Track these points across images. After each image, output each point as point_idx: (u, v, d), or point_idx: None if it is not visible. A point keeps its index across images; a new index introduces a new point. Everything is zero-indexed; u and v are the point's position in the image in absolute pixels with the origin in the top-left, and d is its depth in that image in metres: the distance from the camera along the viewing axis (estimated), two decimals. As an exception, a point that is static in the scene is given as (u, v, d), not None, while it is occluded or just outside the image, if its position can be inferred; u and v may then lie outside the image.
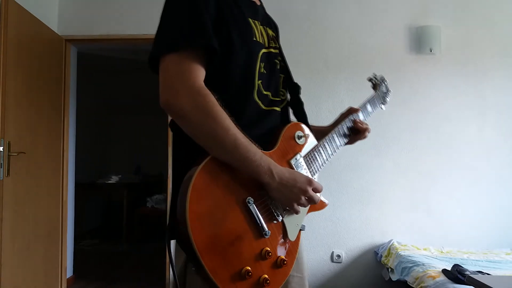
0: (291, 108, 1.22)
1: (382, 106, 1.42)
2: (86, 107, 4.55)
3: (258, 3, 1.14)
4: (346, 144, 1.21)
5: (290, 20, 3.39)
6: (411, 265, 2.67)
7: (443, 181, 3.30)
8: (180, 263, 0.92)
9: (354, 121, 1.22)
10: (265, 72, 1.04)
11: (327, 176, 3.29)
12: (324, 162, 1.12)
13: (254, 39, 1.02)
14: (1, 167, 2.46)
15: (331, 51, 3.38)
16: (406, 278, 2.65)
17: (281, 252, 0.94)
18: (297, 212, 0.96)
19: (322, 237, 3.30)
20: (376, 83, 1.43)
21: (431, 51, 3.27)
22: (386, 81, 1.45)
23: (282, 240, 0.95)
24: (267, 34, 1.11)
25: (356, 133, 1.23)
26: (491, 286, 1.28)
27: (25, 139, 2.74)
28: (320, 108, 3.34)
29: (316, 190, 0.96)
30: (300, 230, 1.02)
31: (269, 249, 0.89)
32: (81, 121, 3.95)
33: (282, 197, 0.92)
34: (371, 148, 3.31)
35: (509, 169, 3.30)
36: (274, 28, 1.22)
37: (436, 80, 3.34)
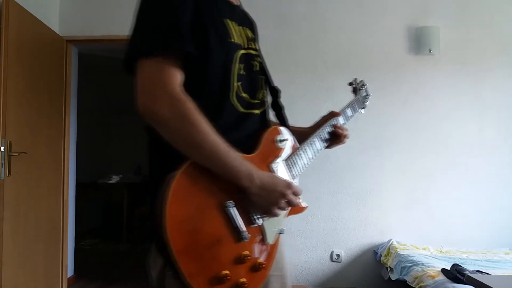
0: (274, 111, 1.20)
1: (362, 110, 1.43)
2: (87, 107, 4.56)
3: (236, 3, 1.12)
4: (325, 148, 1.22)
5: (290, 20, 3.40)
6: (410, 264, 2.67)
7: (443, 181, 3.31)
8: (158, 267, 0.91)
9: (335, 126, 1.23)
10: (244, 73, 1.03)
11: (326, 176, 3.30)
12: (305, 166, 1.12)
13: (232, 40, 1.00)
14: (2, 167, 2.47)
15: (330, 52, 3.39)
16: (406, 278, 2.66)
17: (259, 255, 0.94)
18: (276, 216, 0.95)
19: (322, 237, 3.30)
20: (356, 87, 1.44)
21: (430, 52, 3.28)
22: (366, 85, 1.47)
23: (261, 243, 0.95)
24: (246, 35, 1.08)
25: (335, 138, 1.23)
26: (490, 285, 1.29)
27: (26, 139, 2.75)
28: (320, 108, 3.34)
29: (296, 194, 0.96)
30: (280, 233, 1.02)
31: (247, 252, 0.89)
32: (82, 121, 3.95)
33: (262, 201, 0.92)
34: (370, 148, 3.32)
35: (508, 168, 3.31)
36: (253, 28, 1.18)
37: (435, 80, 3.35)
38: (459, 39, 3.36)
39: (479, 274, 2.19)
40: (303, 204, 1.11)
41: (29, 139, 2.80)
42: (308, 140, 1.15)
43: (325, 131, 1.22)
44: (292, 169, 1.08)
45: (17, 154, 2.59)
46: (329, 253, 3.31)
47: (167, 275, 0.88)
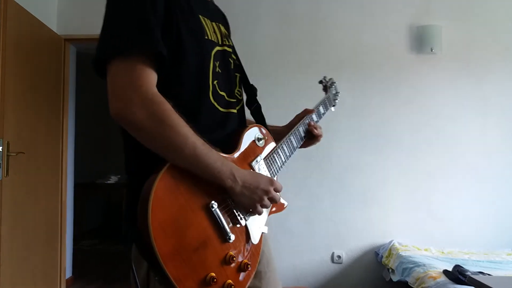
0: (250, 110, 1.19)
1: (332, 108, 1.46)
2: (85, 107, 4.55)
3: None
4: (301, 147, 1.22)
5: (291, 20, 3.39)
6: (412, 265, 2.66)
7: (444, 182, 3.29)
8: (142, 272, 0.88)
9: (309, 124, 1.24)
10: (220, 71, 1.01)
11: (328, 176, 3.29)
12: (283, 164, 1.13)
13: (206, 37, 0.97)
14: (0, 167, 2.45)
15: (332, 51, 3.38)
16: (407, 279, 2.64)
17: (244, 256, 0.93)
18: (260, 214, 0.95)
19: (323, 238, 3.29)
20: (327, 85, 1.47)
21: (432, 51, 3.26)
22: (335, 83, 1.51)
23: (246, 243, 0.94)
24: (220, 31, 1.05)
25: (310, 136, 1.24)
26: (492, 286, 1.28)
27: (24, 139, 2.73)
28: (321, 108, 3.33)
29: (277, 190, 0.96)
30: (263, 233, 1.01)
31: (233, 253, 0.88)
32: (80, 121, 3.94)
33: (245, 200, 0.91)
34: (372, 148, 3.30)
35: (510, 169, 3.29)
36: (226, 24, 1.15)
37: (437, 79, 3.33)
38: (461, 38, 3.35)
39: (481, 275, 2.18)
40: (284, 202, 1.12)
41: (27, 139, 2.78)
42: (285, 138, 1.15)
43: (301, 129, 1.23)
44: (272, 167, 1.08)
45: (15, 154, 2.57)
46: (330, 254, 3.29)
47: (152, 280, 0.86)
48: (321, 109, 1.37)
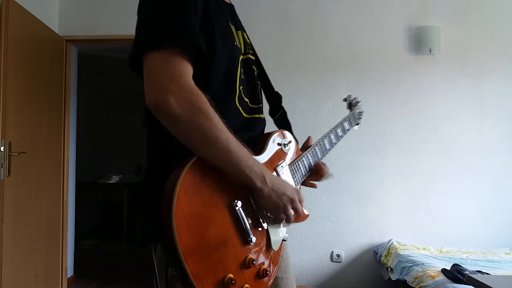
0: (272, 117, 1.20)
1: (356, 126, 1.44)
2: (87, 107, 4.56)
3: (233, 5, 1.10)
4: (302, 182, 1.14)
5: (289, 20, 3.40)
6: (410, 264, 2.67)
7: (443, 181, 3.31)
8: (163, 268, 0.86)
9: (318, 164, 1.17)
10: (244, 78, 1.01)
11: (327, 176, 3.30)
12: (307, 172, 1.12)
13: (235, 43, 0.99)
14: (2, 167, 2.47)
15: (330, 52, 3.39)
16: (406, 278, 2.66)
17: (264, 261, 0.90)
18: (279, 221, 0.93)
19: (322, 237, 3.30)
20: (351, 103, 1.46)
21: (430, 52, 3.27)
22: (359, 102, 1.50)
23: (266, 249, 0.92)
24: (244, 40, 1.06)
25: (315, 172, 1.16)
26: (490, 285, 1.29)
27: (25, 139, 2.75)
28: (320, 108, 3.35)
29: (301, 201, 0.95)
30: (283, 240, 0.99)
31: (253, 257, 0.86)
32: (81, 121, 3.95)
33: (270, 204, 0.89)
34: (370, 148, 3.32)
35: (508, 169, 3.31)
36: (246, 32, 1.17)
37: (435, 80, 3.35)
38: (459, 39, 3.36)
39: (479, 274, 2.19)
40: (306, 212, 1.07)
41: (28, 139, 2.80)
42: (311, 148, 1.15)
43: (326, 142, 1.23)
44: (296, 174, 1.06)
45: (16, 154, 2.59)
46: (329, 253, 3.31)
47: (174, 280, 0.83)
48: (346, 125, 1.35)
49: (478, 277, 1.46)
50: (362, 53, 3.37)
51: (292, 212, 0.92)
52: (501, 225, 3.27)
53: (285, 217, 0.91)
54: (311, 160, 1.13)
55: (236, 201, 0.84)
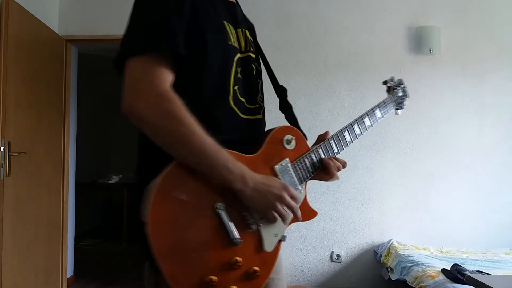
0: (283, 113, 1.17)
1: (399, 111, 1.33)
2: (87, 107, 4.56)
3: (234, 2, 1.07)
4: (311, 178, 1.06)
5: (290, 20, 3.40)
6: (410, 264, 2.67)
7: (443, 181, 3.31)
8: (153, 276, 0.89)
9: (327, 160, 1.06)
10: (241, 77, 1.00)
11: (327, 176, 3.30)
12: (316, 170, 1.04)
13: (229, 42, 0.97)
14: (1, 167, 2.47)
15: (330, 51, 3.39)
16: (406, 278, 2.66)
17: (254, 263, 0.88)
18: (273, 221, 0.89)
19: (322, 237, 3.30)
20: (391, 86, 1.33)
21: (430, 52, 3.27)
22: (403, 84, 1.35)
23: (257, 250, 0.90)
24: (245, 37, 1.04)
25: (324, 168, 1.06)
26: (490, 285, 1.29)
27: (25, 139, 2.75)
28: (320, 108, 3.35)
29: (293, 197, 0.90)
30: (281, 240, 0.95)
31: (239, 259, 0.84)
32: (81, 121, 3.95)
33: (256, 205, 0.87)
34: (370, 148, 3.32)
35: (508, 169, 3.31)
36: (252, 29, 1.14)
37: (435, 80, 3.35)
38: (459, 39, 3.36)
39: (479, 274, 2.19)
40: (313, 209, 1.04)
41: (28, 139, 2.80)
42: (324, 142, 1.07)
43: (345, 136, 1.12)
44: (300, 172, 1.01)
45: (16, 154, 2.59)
46: (329, 253, 3.31)
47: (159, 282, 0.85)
48: (378, 113, 1.20)
49: (478, 277, 1.46)
50: (362, 53, 3.37)
51: (283, 210, 0.88)
52: (501, 225, 3.27)
53: (276, 216, 0.88)
54: (323, 155, 1.06)
55: (219, 203, 0.84)
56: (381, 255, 3.13)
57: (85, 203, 4.76)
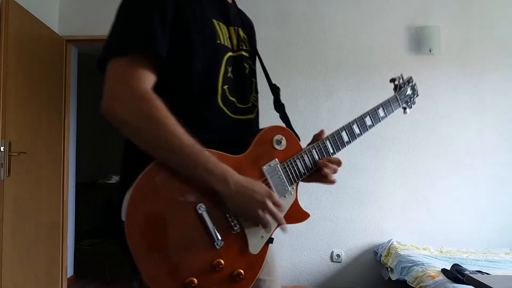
0: (277, 112, 1.14)
1: (407, 110, 1.27)
2: (87, 107, 4.56)
3: (229, 1, 1.05)
4: (304, 181, 1.03)
5: (289, 20, 3.40)
6: (410, 264, 2.67)
7: (442, 181, 3.31)
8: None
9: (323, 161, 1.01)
10: (232, 76, 0.98)
11: (327, 176, 3.30)
12: (308, 171, 1.00)
13: (218, 41, 0.95)
14: (1, 167, 2.47)
15: (330, 51, 3.39)
16: (406, 278, 2.65)
17: (238, 265, 0.86)
18: (257, 225, 0.87)
19: (322, 237, 3.30)
20: (399, 85, 1.26)
21: (430, 51, 3.27)
22: (412, 82, 1.29)
23: (241, 252, 0.88)
24: (238, 36, 1.03)
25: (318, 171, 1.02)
26: (490, 285, 1.29)
27: (25, 139, 2.75)
28: (320, 108, 3.35)
29: (276, 204, 0.87)
30: (268, 243, 0.93)
31: (221, 261, 0.83)
32: (81, 121, 3.95)
33: (238, 208, 0.85)
34: (370, 148, 3.31)
35: (508, 168, 3.31)
36: (249, 27, 1.12)
37: (435, 80, 3.35)
38: (459, 39, 3.36)
39: (479, 274, 2.19)
40: (305, 211, 1.02)
41: (28, 139, 2.80)
42: (318, 143, 1.03)
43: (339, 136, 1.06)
44: (291, 173, 0.98)
45: (16, 154, 2.59)
46: (329, 253, 3.31)
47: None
48: (381, 112, 1.14)
49: (478, 277, 1.46)
50: (362, 53, 3.37)
51: (265, 218, 0.86)
52: (501, 225, 3.27)
53: (259, 223, 0.87)
54: (316, 157, 1.01)
55: (200, 204, 0.82)
56: (381, 255, 3.13)
57: (85, 203, 4.76)
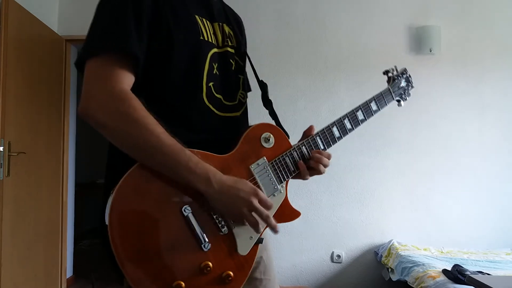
0: (266, 108, 1.12)
1: (401, 102, 1.24)
2: (86, 107, 4.55)
3: None
4: (293, 178, 1.01)
5: (290, 20, 3.39)
6: (411, 265, 2.67)
7: (443, 181, 3.30)
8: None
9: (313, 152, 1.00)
10: (217, 73, 0.95)
11: (327, 176, 3.28)
12: (297, 168, 0.98)
13: (201, 38, 0.93)
14: (1, 167, 2.46)
15: (330, 51, 3.38)
16: (406, 278, 2.65)
17: (227, 267, 0.85)
18: (244, 225, 0.85)
19: (322, 237, 3.29)
20: (392, 77, 1.24)
21: (431, 51, 3.27)
22: (406, 74, 1.26)
23: (230, 254, 0.86)
24: (222, 32, 1.00)
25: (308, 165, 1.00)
26: (491, 286, 1.29)
27: (25, 139, 2.74)
28: (320, 108, 3.34)
29: (263, 203, 0.84)
30: (258, 243, 0.90)
31: (209, 263, 0.81)
32: (81, 121, 3.93)
33: (223, 208, 0.83)
34: (371, 148, 3.31)
35: (509, 168, 3.30)
36: (235, 22, 1.09)
37: (436, 80, 3.34)
38: (460, 38, 3.36)
39: (480, 274, 2.18)
40: (296, 210, 0.99)
41: (28, 139, 2.79)
42: (307, 139, 1.01)
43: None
44: (280, 171, 0.96)
45: (16, 154, 2.58)
46: (330, 254, 3.30)
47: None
48: (373, 105, 1.13)
49: (479, 277, 1.46)
50: (362, 53, 3.36)
51: (252, 217, 0.83)
52: (502, 225, 3.26)
53: (246, 223, 0.84)
54: (306, 153, 0.99)
55: (185, 206, 0.81)
56: (381, 255, 3.13)
57: (84, 203, 4.75)
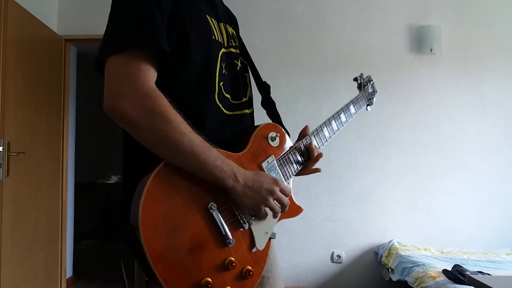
0: (265, 109, 1.15)
1: (368, 107, 1.37)
2: (86, 107, 4.55)
3: None
4: (296, 175, 1.07)
5: (290, 20, 3.39)
6: (411, 265, 2.66)
7: (443, 181, 3.30)
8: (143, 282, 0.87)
9: (309, 145, 1.06)
10: (226, 73, 0.97)
11: (327, 176, 3.29)
12: (300, 166, 1.05)
13: (213, 37, 0.94)
14: (0, 167, 2.46)
15: (331, 51, 3.38)
16: (407, 279, 2.65)
17: (247, 262, 0.87)
18: (264, 217, 0.89)
19: (323, 237, 3.29)
20: (362, 83, 1.37)
21: (431, 51, 3.26)
22: (372, 81, 1.40)
23: (249, 249, 0.89)
24: (227, 32, 1.02)
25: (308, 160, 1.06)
26: (492, 286, 1.28)
27: (24, 139, 2.74)
28: (320, 108, 3.34)
29: (283, 191, 0.90)
30: (271, 238, 0.94)
31: (233, 259, 0.83)
32: (81, 121, 3.94)
33: (248, 201, 0.85)
34: (371, 148, 3.31)
35: (509, 168, 3.30)
36: (234, 24, 1.11)
37: (436, 79, 3.34)
38: (460, 38, 3.36)
39: (480, 274, 2.18)
40: (298, 204, 1.05)
41: (27, 139, 2.79)
42: (306, 138, 1.07)
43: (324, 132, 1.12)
44: (286, 169, 1.01)
45: (15, 154, 2.58)
46: (330, 254, 3.30)
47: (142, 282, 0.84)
48: (352, 109, 1.23)
49: (479, 277, 1.45)
50: (362, 52, 3.36)
51: (274, 204, 0.88)
52: (503, 225, 3.26)
53: (268, 210, 0.88)
54: (306, 152, 1.06)
55: (211, 203, 0.82)
56: (381, 255, 3.12)
57: (84, 203, 4.75)
